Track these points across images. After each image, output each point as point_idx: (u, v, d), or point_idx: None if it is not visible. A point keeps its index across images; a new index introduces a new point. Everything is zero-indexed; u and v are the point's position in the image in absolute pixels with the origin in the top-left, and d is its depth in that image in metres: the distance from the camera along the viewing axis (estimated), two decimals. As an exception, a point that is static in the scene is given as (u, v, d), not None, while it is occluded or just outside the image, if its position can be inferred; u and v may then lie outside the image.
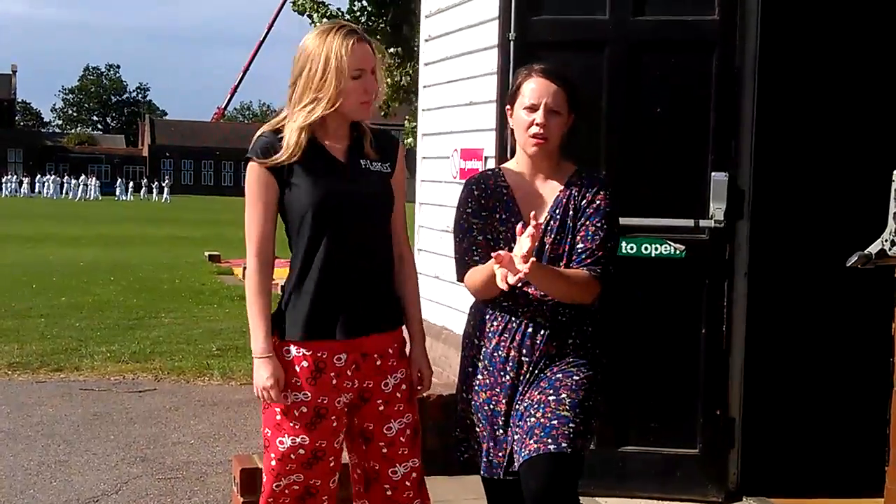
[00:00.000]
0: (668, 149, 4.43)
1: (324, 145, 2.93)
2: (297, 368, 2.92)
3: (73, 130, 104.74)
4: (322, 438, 2.94)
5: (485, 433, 3.06)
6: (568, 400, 2.94)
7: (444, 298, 5.92)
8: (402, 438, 3.02)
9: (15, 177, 68.14)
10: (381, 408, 3.00)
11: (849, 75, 4.79)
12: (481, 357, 3.07)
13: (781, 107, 4.64)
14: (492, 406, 3.04)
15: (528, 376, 3.00)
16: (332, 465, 2.99)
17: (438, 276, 6.05)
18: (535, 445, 2.88)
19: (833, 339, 4.75)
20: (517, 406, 2.99)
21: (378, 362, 2.98)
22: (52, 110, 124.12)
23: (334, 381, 2.93)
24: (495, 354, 3.03)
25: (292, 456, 2.93)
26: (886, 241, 3.12)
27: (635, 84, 4.43)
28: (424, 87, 6.65)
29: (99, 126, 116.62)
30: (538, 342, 2.99)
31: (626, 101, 4.43)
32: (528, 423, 2.93)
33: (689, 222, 4.36)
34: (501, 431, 3.03)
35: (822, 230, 4.68)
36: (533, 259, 2.77)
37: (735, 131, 4.38)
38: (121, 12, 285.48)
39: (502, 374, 3.02)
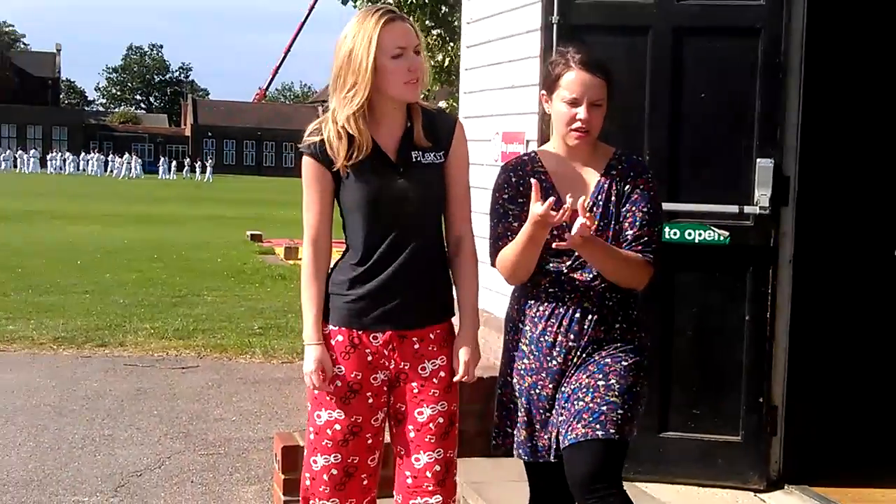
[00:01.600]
0: (712, 134, 4.39)
1: (375, 139, 2.90)
2: (333, 343, 2.96)
3: (116, 109, 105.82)
4: (357, 414, 2.96)
5: (528, 417, 3.05)
6: (617, 385, 2.93)
7: (485, 281, 5.91)
8: (431, 426, 2.96)
9: (60, 154, 69.00)
10: (416, 391, 2.97)
11: (898, 61, 4.72)
12: (527, 342, 3.05)
13: (828, 92, 4.58)
14: (538, 391, 3.02)
15: (575, 360, 2.99)
16: (369, 442, 2.99)
17: (481, 260, 6.06)
18: (583, 430, 2.87)
19: (878, 328, 4.70)
20: (563, 388, 2.98)
21: (416, 346, 2.97)
22: (95, 89, 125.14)
23: (369, 359, 2.95)
24: (542, 339, 3.02)
25: (329, 431, 2.96)
26: (935, 230, 3.08)
27: (679, 68, 4.39)
28: (466, 69, 6.63)
29: (142, 105, 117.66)
30: (586, 327, 2.98)
31: (670, 86, 4.39)
32: (577, 407, 2.92)
33: (734, 208, 4.32)
34: (548, 415, 3.01)
35: (868, 218, 4.62)
36: (589, 230, 2.77)
37: (781, 117, 4.32)
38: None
39: (548, 359, 3.01)
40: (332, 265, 3.03)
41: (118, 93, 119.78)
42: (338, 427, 2.95)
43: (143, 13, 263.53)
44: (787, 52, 4.30)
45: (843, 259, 4.61)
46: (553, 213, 2.82)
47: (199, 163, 68.06)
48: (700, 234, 4.34)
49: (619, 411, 2.90)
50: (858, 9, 5.06)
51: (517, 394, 3.07)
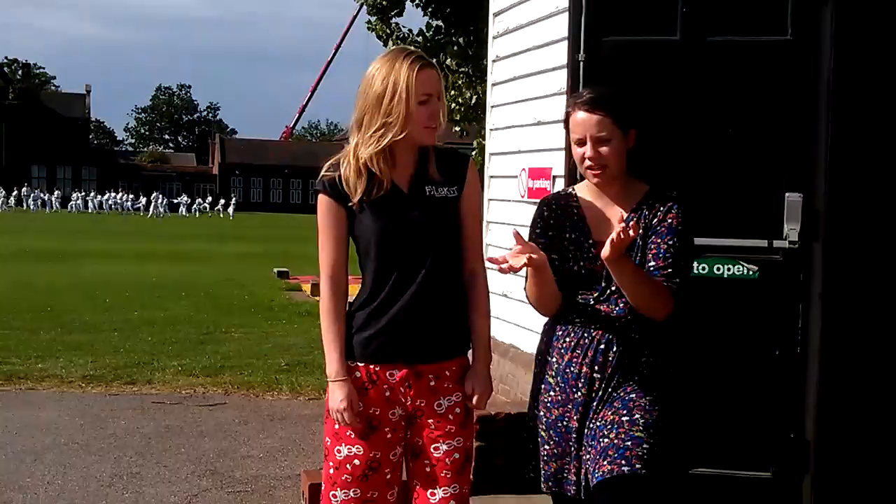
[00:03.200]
0: (741, 169, 4.38)
1: (390, 175, 2.95)
2: (352, 378, 2.97)
3: (145, 149, 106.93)
4: (376, 449, 2.97)
5: (556, 450, 3.05)
6: (641, 420, 2.92)
7: (511, 316, 5.92)
8: (447, 461, 2.98)
9: (81, 194, 69.59)
10: (433, 427, 2.99)
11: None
12: (553, 374, 3.07)
13: (857, 126, 4.55)
14: (565, 423, 3.03)
15: (600, 393, 2.99)
16: (388, 477, 3.00)
17: (507, 295, 6.05)
18: (609, 466, 2.86)
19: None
20: (590, 424, 2.98)
21: (432, 383, 2.98)
22: (125, 129, 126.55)
23: (388, 394, 2.97)
24: (567, 371, 3.03)
25: (348, 466, 2.97)
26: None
27: (707, 104, 4.39)
28: (492, 106, 6.67)
29: (170, 144, 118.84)
30: (610, 359, 2.98)
31: (699, 122, 4.39)
32: (602, 444, 2.91)
33: (763, 243, 4.30)
34: (574, 448, 3.01)
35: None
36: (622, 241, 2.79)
37: (810, 151, 4.32)
38: (191, 34, 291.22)
39: (574, 390, 3.01)
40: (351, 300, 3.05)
41: (147, 132, 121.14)
42: (357, 462, 2.97)
43: (172, 54, 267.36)
44: (815, 86, 4.30)
45: (874, 294, 4.56)
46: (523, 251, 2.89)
47: (222, 201, 68.57)
48: (729, 269, 4.32)
49: (645, 446, 2.88)
50: (889, 41, 5.04)
51: (544, 426, 3.08)
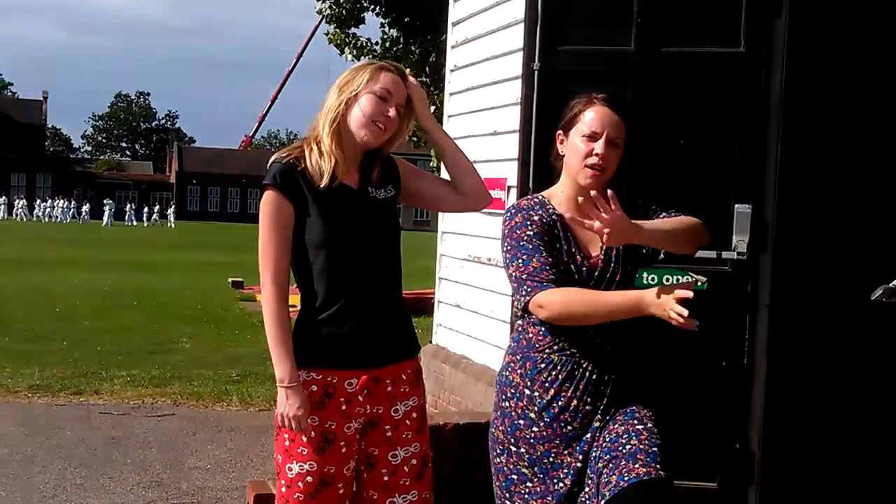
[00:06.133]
0: (691, 180, 4.40)
1: (343, 167, 2.94)
2: (307, 393, 2.91)
3: (101, 156, 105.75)
4: (331, 464, 2.92)
5: (539, 487, 2.91)
6: (655, 430, 2.88)
7: (464, 327, 5.90)
8: (405, 468, 2.97)
9: (24, 201, 68.20)
10: (389, 434, 2.97)
11: (878, 108, 4.74)
12: (536, 408, 2.91)
13: (807, 138, 4.59)
14: (551, 459, 2.89)
15: (596, 424, 2.89)
16: (341, 492, 2.95)
17: (459, 305, 6.03)
18: (645, 469, 2.76)
19: (857, 374, 4.68)
20: (600, 442, 2.87)
21: (389, 388, 2.96)
22: (82, 136, 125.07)
23: (344, 407, 2.91)
24: (554, 405, 2.89)
25: (300, 484, 2.91)
26: (912, 275, 3.06)
27: (660, 115, 4.41)
28: (449, 116, 6.67)
29: (128, 152, 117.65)
30: (603, 388, 2.90)
31: (651, 132, 4.40)
32: (626, 450, 2.81)
33: (712, 254, 4.31)
34: (562, 485, 2.88)
35: (846, 264, 4.62)
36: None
37: (760, 163, 4.34)
38: (152, 41, 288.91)
39: (562, 424, 2.89)
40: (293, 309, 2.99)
41: (104, 140, 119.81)
42: (310, 479, 2.91)
43: (132, 62, 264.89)
44: (767, 98, 4.33)
45: (821, 305, 4.60)
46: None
47: (157, 208, 67.85)
48: (678, 280, 4.32)
49: (664, 453, 2.84)
50: (839, 56, 5.11)
51: (527, 463, 2.92)
